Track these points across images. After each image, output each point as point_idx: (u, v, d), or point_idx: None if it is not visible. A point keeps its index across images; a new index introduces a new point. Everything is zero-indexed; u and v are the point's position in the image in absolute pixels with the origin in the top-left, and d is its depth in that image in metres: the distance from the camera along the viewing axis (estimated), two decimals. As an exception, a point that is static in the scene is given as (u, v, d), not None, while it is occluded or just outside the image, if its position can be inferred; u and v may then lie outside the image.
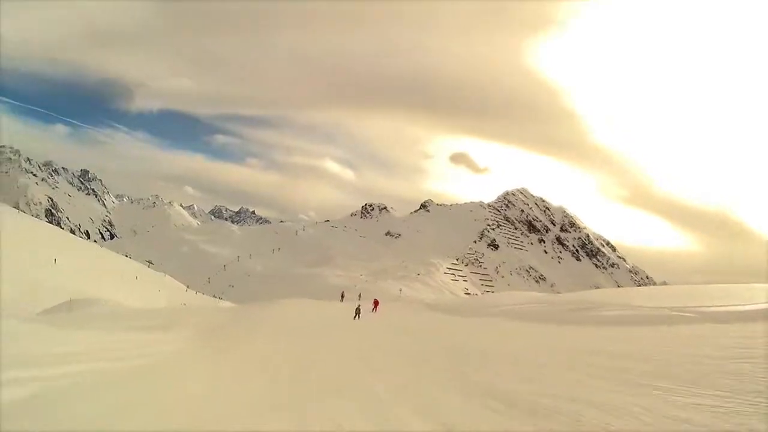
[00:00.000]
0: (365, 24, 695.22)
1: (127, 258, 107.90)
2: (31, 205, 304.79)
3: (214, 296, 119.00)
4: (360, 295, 33.43)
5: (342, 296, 39.42)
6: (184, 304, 45.79)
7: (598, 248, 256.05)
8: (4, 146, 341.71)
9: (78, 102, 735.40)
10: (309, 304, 36.39)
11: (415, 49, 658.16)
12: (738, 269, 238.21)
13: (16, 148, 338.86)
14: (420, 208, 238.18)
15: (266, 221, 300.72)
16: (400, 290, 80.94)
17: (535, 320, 17.46)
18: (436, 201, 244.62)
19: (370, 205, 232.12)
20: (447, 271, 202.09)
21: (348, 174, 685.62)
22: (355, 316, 25.84)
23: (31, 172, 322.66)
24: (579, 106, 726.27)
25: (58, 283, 40.39)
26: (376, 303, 34.31)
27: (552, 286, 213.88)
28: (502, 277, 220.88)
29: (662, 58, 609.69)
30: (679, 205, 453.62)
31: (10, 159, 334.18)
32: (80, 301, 30.02)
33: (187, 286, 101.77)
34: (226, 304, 61.25)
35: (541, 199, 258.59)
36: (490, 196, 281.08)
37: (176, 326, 16.36)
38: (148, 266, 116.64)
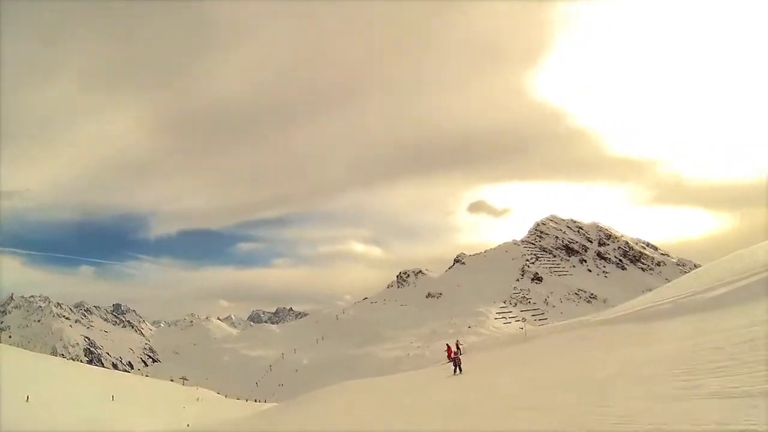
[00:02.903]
0: (362, 100, 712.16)
1: (149, 378, 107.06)
2: (68, 347, 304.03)
3: (256, 400, 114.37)
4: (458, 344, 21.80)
5: (456, 349, 25.27)
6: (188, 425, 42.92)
7: (640, 252, 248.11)
8: (33, 296, 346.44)
9: (97, 240, 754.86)
10: (373, 388, 25.15)
11: (416, 113, 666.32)
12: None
13: (45, 295, 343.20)
14: (454, 263, 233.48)
15: (305, 314, 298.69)
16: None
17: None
18: (468, 253, 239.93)
19: (405, 272, 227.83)
20: (497, 315, 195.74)
21: (375, 251, 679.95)
22: (455, 370, 20.81)
23: (64, 316, 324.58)
24: (588, 122, 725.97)
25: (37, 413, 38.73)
26: (451, 352, 24.90)
27: (605, 301, 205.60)
28: (553, 306, 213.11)
29: (660, 52, 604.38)
30: (710, 188, 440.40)
31: (41, 307, 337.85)
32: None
33: (225, 395, 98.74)
34: (268, 406, 57.19)
35: (572, 220, 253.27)
36: (519, 233, 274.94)
37: None
38: (183, 383, 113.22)
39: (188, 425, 43.17)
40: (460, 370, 20.82)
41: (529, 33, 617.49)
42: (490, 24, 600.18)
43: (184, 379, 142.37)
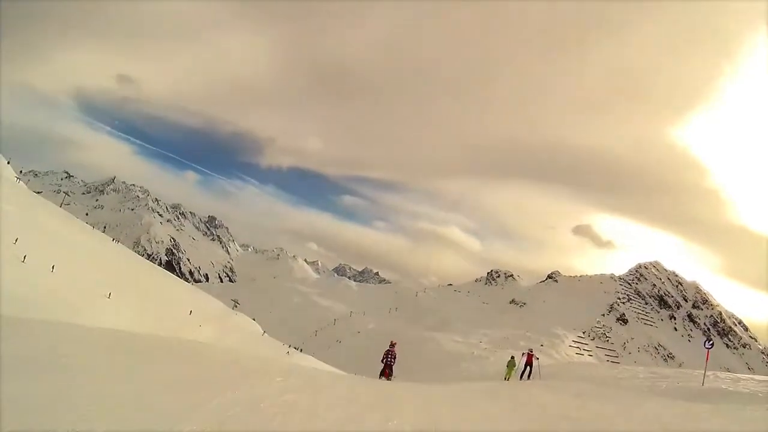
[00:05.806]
0: (497, 98, 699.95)
1: (191, 287, 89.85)
2: (153, 242, 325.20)
3: (293, 348, 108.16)
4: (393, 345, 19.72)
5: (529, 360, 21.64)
6: None
7: (730, 327, 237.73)
8: (134, 185, 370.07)
9: (210, 151, 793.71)
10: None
11: (549, 123, 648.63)
12: None
13: (146, 188, 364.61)
14: (547, 278, 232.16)
15: (388, 282, 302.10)
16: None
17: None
18: (562, 272, 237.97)
19: (496, 272, 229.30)
20: (572, 343, 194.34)
21: (474, 243, 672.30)
22: (525, 374, 17.47)
23: (158, 212, 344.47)
24: (721, 182, 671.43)
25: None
26: (530, 359, 21.29)
27: (680, 365, 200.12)
28: (629, 353, 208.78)
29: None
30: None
31: (138, 197, 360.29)
32: None
33: (264, 331, 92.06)
34: (308, 362, 41.10)
35: (674, 273, 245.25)
36: (613, 269, 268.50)
37: None
38: (233, 307, 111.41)
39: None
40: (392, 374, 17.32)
41: (692, 75, 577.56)
42: (656, 56, 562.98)
43: (235, 302, 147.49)
